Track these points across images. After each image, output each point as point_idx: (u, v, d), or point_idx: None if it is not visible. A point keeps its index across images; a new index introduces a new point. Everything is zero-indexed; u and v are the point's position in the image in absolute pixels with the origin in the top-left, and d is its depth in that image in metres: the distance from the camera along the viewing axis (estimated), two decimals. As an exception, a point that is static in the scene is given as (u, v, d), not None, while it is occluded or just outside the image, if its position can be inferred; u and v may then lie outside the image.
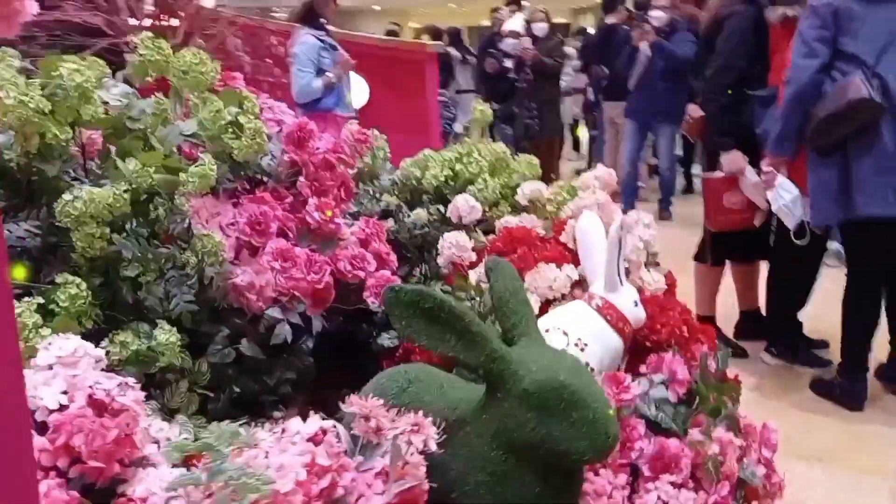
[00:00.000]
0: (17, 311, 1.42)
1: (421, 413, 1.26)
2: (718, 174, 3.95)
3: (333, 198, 2.00)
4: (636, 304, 1.87)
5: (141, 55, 1.71)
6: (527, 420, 1.29)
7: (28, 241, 1.54)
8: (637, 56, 7.42)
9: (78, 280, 1.52)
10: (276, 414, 1.84)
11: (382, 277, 1.97)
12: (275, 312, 1.76)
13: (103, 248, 1.57)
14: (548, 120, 8.00)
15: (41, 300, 1.47)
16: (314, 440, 1.14)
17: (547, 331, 1.79)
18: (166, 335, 1.55)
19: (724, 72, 3.85)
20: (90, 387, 1.23)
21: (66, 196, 1.52)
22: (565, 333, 1.77)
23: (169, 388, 1.65)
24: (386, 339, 2.00)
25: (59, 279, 1.51)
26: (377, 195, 2.49)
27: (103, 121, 1.67)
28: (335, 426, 1.24)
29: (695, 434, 1.62)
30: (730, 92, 3.86)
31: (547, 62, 7.91)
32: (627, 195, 7.63)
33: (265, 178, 1.96)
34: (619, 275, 1.85)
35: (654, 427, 1.63)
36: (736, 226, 3.95)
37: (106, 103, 1.68)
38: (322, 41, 4.75)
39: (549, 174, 2.61)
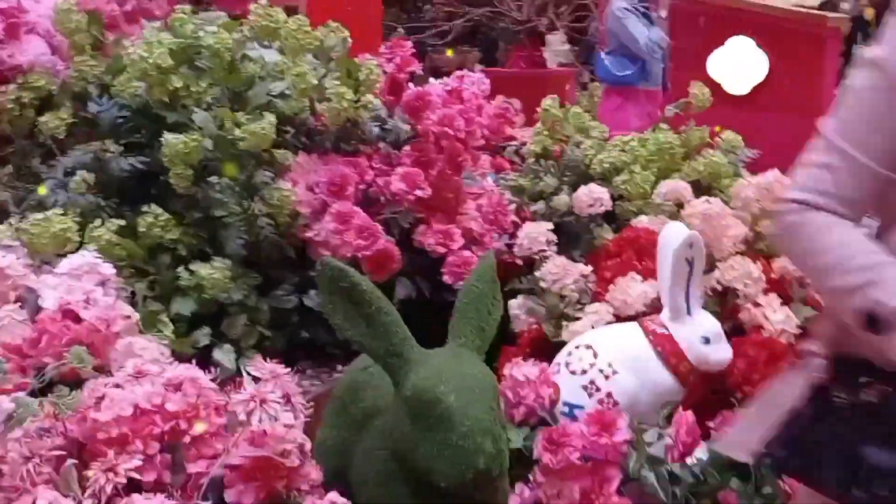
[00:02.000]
0: (97, 229, 1.72)
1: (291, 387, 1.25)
2: None
3: (438, 170, 1.97)
4: (707, 342, 1.53)
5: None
6: (404, 426, 1.19)
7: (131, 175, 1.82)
8: None
9: (158, 211, 1.78)
10: (339, 367, 1.93)
11: (462, 256, 1.90)
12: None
13: (187, 188, 1.80)
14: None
15: (122, 222, 1.75)
16: (173, 385, 1.20)
17: (577, 347, 1.58)
18: (210, 271, 1.72)
19: None
20: (85, 296, 1.46)
21: (162, 139, 1.77)
22: (595, 354, 1.54)
23: (229, 320, 1.84)
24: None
25: (144, 208, 1.78)
26: (542, 174, 2.36)
27: (226, 77, 1.88)
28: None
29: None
30: None
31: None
32: None
33: (379, 143, 2.01)
34: (686, 301, 1.53)
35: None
36: None
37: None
38: (633, 8, 4.47)
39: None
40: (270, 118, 1.73)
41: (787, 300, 1.71)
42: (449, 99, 2.13)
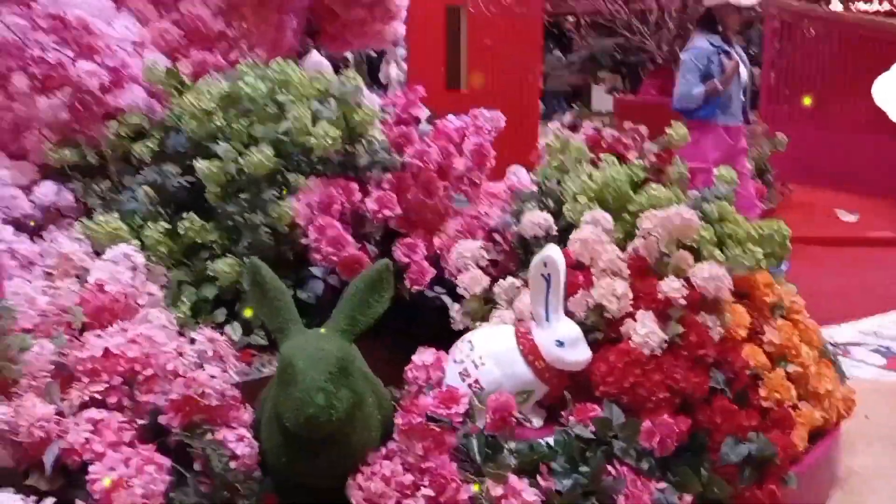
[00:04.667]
0: (148, 230, 2.37)
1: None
2: None
3: (412, 195, 2.44)
4: (562, 345, 1.88)
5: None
6: (275, 383, 1.69)
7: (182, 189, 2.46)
8: None
9: (194, 217, 2.40)
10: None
11: (421, 266, 2.36)
12: (316, 271, 2.36)
13: (216, 202, 2.40)
14: None
15: (168, 225, 2.39)
16: (136, 340, 1.78)
17: (462, 341, 1.98)
18: (223, 266, 2.31)
19: None
20: (118, 280, 2.09)
21: (198, 164, 2.39)
22: (472, 347, 1.94)
23: (241, 304, 2.42)
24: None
25: (185, 215, 2.41)
26: (525, 200, 2.74)
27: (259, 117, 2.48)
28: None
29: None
30: None
31: None
32: None
33: (370, 169, 2.51)
34: (545, 310, 1.89)
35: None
36: None
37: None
38: (716, 46, 4.62)
39: None
40: (267, 151, 2.30)
41: (663, 318, 1.99)
42: (436, 135, 2.59)
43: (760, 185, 5.50)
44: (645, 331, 1.94)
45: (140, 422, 1.72)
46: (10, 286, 2.00)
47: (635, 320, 1.99)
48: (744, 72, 4.40)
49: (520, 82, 6.61)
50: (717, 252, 2.28)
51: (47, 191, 2.51)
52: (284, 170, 2.49)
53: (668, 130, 2.59)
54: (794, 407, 2.11)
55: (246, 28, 3.26)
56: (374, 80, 6.90)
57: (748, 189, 4.18)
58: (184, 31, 3.06)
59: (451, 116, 2.79)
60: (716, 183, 2.57)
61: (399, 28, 3.70)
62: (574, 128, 5.40)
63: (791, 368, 2.14)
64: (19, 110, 2.55)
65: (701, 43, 4.54)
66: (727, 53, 4.44)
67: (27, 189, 2.52)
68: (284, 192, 2.47)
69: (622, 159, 2.65)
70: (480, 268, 2.27)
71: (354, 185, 2.47)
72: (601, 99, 12.37)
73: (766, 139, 5.92)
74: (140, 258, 2.18)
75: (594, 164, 2.70)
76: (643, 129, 5.28)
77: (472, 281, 2.18)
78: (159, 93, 2.81)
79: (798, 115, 6.82)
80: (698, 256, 2.23)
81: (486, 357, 1.92)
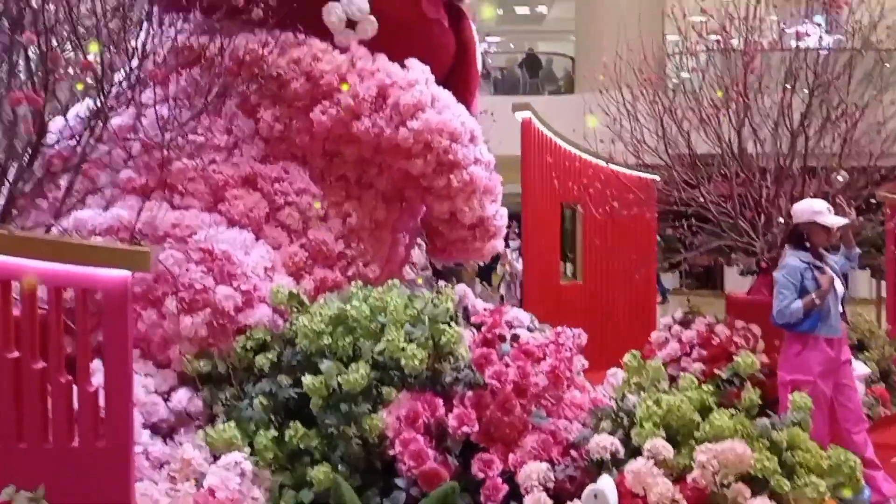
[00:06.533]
0: (260, 438, 2.71)
1: None
2: None
3: (490, 412, 2.67)
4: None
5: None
6: None
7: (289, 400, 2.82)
8: None
9: (298, 426, 2.73)
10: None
11: (495, 483, 2.54)
12: (399, 482, 2.59)
13: (319, 413, 2.74)
14: None
15: (276, 433, 2.73)
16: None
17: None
18: (319, 473, 2.60)
19: None
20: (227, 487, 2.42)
21: (305, 379, 2.75)
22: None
23: None
24: None
25: (290, 424, 2.74)
26: (603, 417, 2.89)
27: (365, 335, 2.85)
28: None
29: None
30: None
31: None
32: None
33: (454, 385, 2.78)
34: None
35: None
36: None
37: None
38: (806, 262, 4.66)
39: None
40: (364, 370, 2.63)
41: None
42: (517, 354, 2.85)
43: (883, 390, 5.27)
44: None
45: None
46: (138, 487, 2.37)
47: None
48: (839, 284, 4.41)
49: (633, 276, 6.82)
50: (784, 482, 2.33)
51: (182, 397, 2.94)
52: (379, 383, 2.81)
53: (736, 359, 2.72)
54: None
55: (363, 248, 3.74)
56: (485, 277, 7.32)
57: (855, 402, 4.08)
58: (309, 252, 3.57)
59: (533, 336, 3.06)
60: (790, 409, 2.64)
61: (499, 245, 4.09)
62: (686, 323, 5.46)
63: None
64: (168, 327, 3.06)
65: (792, 260, 4.55)
66: (819, 268, 4.46)
67: (166, 395, 2.97)
68: (377, 405, 2.77)
69: (706, 375, 2.79)
70: (547, 489, 2.43)
71: (439, 401, 2.74)
72: (734, 280, 12.23)
73: (889, 340, 5.73)
74: (248, 465, 2.51)
75: (673, 381, 2.85)
76: (755, 328, 5.29)
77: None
78: (283, 309, 3.27)
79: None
80: (765, 484, 2.30)
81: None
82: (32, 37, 2.64)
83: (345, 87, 3.47)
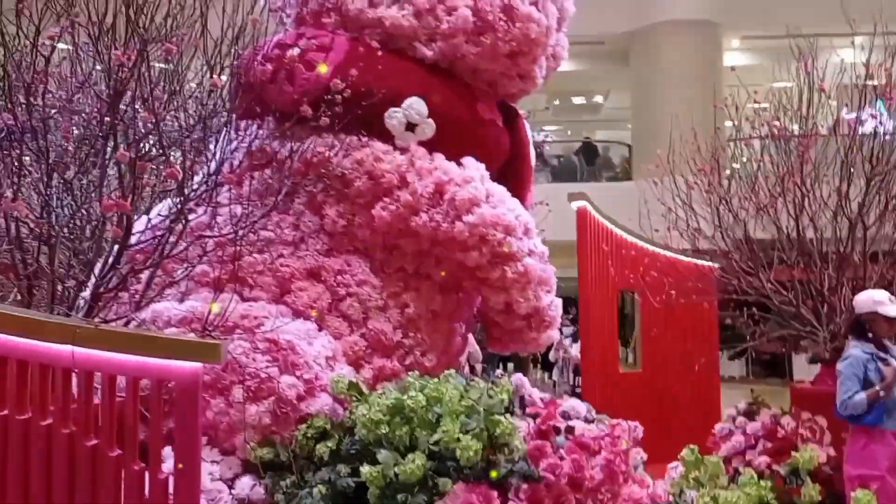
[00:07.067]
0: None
1: None
2: None
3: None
4: None
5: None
6: None
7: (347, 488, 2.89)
8: None
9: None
10: None
11: None
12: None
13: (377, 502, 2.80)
14: None
15: None
16: None
17: None
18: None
19: None
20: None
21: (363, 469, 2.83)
22: None
23: None
24: None
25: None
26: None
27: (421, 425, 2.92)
28: None
29: None
30: None
31: None
32: None
33: (509, 477, 2.81)
34: None
35: None
36: None
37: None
38: (869, 353, 4.57)
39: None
40: (420, 461, 2.69)
41: None
42: (571, 448, 2.87)
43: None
44: None
45: None
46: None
47: None
48: None
49: (693, 365, 6.71)
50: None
51: (245, 486, 3.05)
52: (435, 474, 2.86)
53: (794, 454, 2.69)
54: None
55: (420, 338, 3.85)
56: (544, 365, 7.32)
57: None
58: (368, 342, 3.69)
59: (588, 428, 3.08)
60: (853, 507, 2.58)
61: (554, 334, 4.14)
62: (750, 414, 5.35)
63: None
64: (234, 415, 3.20)
65: (855, 351, 4.47)
66: (883, 359, 4.35)
67: (230, 482, 3.08)
68: (433, 496, 2.82)
69: (770, 468, 2.76)
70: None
71: (493, 493, 2.77)
72: (802, 367, 11.84)
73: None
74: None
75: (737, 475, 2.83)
76: (822, 420, 5.12)
77: None
78: (343, 398, 3.38)
79: None
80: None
81: None
82: (125, 154, 2.90)
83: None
